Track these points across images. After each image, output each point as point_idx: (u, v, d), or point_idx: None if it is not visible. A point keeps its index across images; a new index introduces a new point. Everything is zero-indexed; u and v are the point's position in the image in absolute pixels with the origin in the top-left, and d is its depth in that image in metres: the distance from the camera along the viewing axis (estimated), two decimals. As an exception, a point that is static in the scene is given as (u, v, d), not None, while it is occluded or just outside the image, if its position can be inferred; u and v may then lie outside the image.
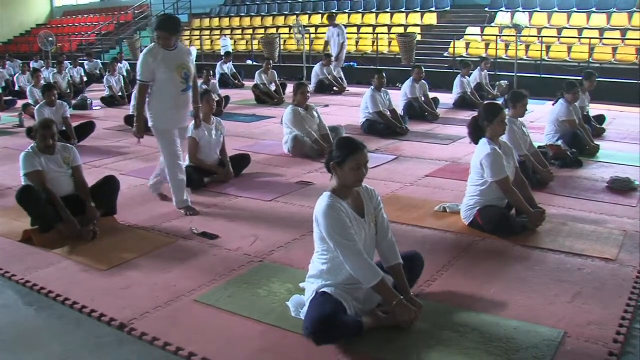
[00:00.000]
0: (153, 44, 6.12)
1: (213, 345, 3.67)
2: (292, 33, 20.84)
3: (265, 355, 3.58)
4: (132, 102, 11.07)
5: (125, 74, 18.17)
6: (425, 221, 5.79)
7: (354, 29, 21.52)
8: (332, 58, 16.40)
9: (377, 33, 20.40)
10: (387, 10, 22.10)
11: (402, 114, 10.88)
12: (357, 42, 20.93)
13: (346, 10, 23.05)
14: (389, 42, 20.16)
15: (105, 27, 30.61)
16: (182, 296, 4.32)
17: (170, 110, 6.12)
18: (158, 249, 5.27)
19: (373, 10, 22.44)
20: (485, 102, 6.07)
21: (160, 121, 6.15)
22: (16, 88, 17.14)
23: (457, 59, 17.44)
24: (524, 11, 19.27)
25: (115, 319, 4.02)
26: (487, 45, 18.36)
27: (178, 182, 6.24)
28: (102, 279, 4.71)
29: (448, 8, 21.49)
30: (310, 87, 13.50)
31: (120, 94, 15.05)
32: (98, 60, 22.06)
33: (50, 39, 24.18)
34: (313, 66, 16.63)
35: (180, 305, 4.20)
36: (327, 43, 17.43)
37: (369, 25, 21.71)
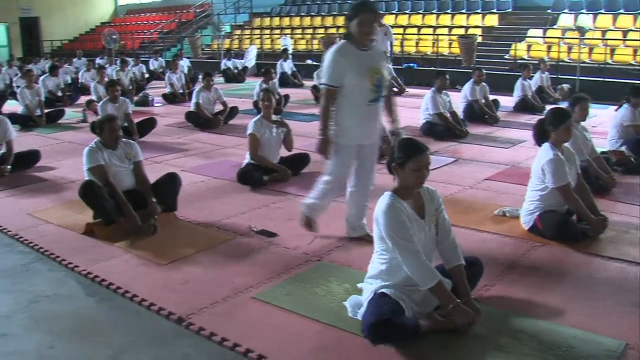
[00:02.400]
0: (343, 41, 5.07)
1: (270, 342, 3.69)
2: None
3: (322, 355, 3.58)
4: (193, 99, 11.22)
5: (186, 71, 18.38)
6: (484, 225, 5.72)
7: (414, 30, 21.40)
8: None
9: (437, 34, 20.24)
10: (448, 11, 21.92)
11: (462, 117, 10.77)
12: (417, 43, 20.79)
13: (407, 12, 22.92)
14: (450, 44, 19.98)
15: (167, 25, 31.02)
16: (240, 293, 4.35)
17: (354, 123, 5.10)
18: (217, 245, 5.31)
19: (434, 11, 22.28)
20: (554, 106, 5.94)
21: (342, 135, 5.12)
22: (80, 84, 17.46)
23: (518, 61, 17.20)
24: (588, 13, 18.90)
25: (174, 313, 4.07)
26: (549, 47, 18.02)
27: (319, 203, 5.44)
28: (162, 273, 4.79)
29: (510, 10, 21.19)
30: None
31: (181, 91, 15.22)
32: (162, 59, 22.37)
33: (114, 36, 24.70)
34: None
35: (238, 302, 4.23)
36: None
37: (430, 26, 21.54)
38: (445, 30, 20.77)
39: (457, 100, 11.41)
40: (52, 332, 3.98)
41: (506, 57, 18.50)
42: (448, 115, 10.07)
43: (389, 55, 16.43)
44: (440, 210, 3.91)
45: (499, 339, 3.68)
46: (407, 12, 22.92)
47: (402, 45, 20.12)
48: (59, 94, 15.15)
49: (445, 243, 3.89)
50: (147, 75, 19.54)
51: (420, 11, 22.63)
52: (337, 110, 5.06)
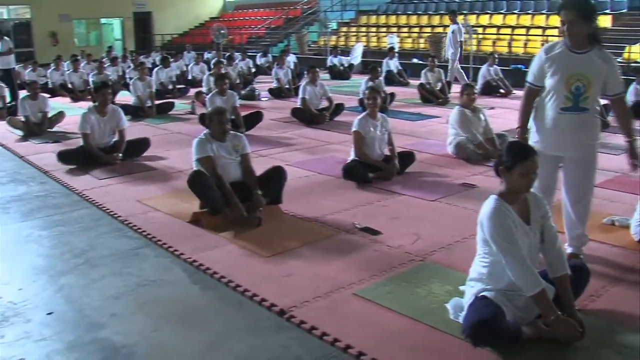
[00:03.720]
0: (558, 40, 4.59)
1: (369, 340, 3.66)
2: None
3: (421, 355, 3.53)
4: (300, 95, 11.28)
5: (292, 67, 18.54)
6: (592, 233, 5.49)
7: (523, 31, 20.89)
8: (450, 57, 16.24)
9: (546, 35, 19.64)
10: (554, 12, 21.24)
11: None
12: (525, 44, 20.25)
13: (515, 11, 22.34)
14: (542, 45, 19.35)
15: (274, 21, 31.41)
16: (341, 289, 4.34)
17: (547, 130, 4.65)
18: (320, 240, 5.32)
19: (543, 11, 21.59)
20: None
21: (536, 140, 4.71)
22: (189, 77, 17.87)
23: (631, 64, 16.55)
24: None
25: (276, 305, 4.09)
26: (667, 50, 17.26)
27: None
28: (265, 265, 4.83)
29: (625, 10, 20.40)
30: (477, 89, 13.24)
31: (287, 86, 15.34)
32: (270, 55, 22.66)
33: (223, 31, 25.18)
34: (479, 67, 16.30)
35: (340, 298, 4.22)
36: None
37: (538, 27, 20.95)
38: (555, 32, 20.14)
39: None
40: (156, 316, 4.08)
41: (619, 60, 17.80)
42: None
43: (448, 54, 16.30)
44: (547, 218, 3.80)
45: (602, 351, 3.55)
46: (515, 12, 22.39)
47: (509, 47, 19.70)
48: (170, 86, 15.57)
49: (551, 251, 3.77)
50: (254, 70, 19.82)
51: (530, 11, 22.05)
52: (534, 112, 4.73)
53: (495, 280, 3.67)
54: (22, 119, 11.16)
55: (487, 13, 22.74)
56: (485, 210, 3.65)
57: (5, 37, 15.17)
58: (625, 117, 4.81)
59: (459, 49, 16.66)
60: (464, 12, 22.88)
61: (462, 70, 16.81)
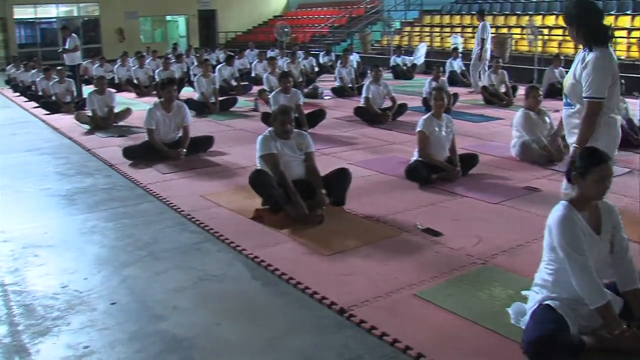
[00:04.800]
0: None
1: (429, 341, 3.64)
2: (524, 34, 20.25)
3: (481, 359, 3.49)
4: (363, 94, 11.23)
5: (355, 66, 18.51)
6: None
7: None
8: (479, 56, 15.98)
9: (634, 37, 18.99)
10: (628, 12, 20.63)
11: (639, 125, 10.18)
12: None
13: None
14: (628, 47, 18.86)
15: (337, 20, 31.42)
16: (402, 289, 4.32)
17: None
18: (382, 240, 5.30)
19: (627, 12, 20.95)
20: None
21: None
22: (252, 75, 18.01)
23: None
24: None
25: (336, 303, 4.09)
26: None
27: None
28: (325, 263, 4.84)
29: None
30: (542, 91, 13.02)
31: (350, 85, 15.31)
32: (333, 54, 22.67)
33: (286, 29, 25.30)
34: (545, 69, 16.01)
35: (400, 298, 4.20)
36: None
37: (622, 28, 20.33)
38: (624, 33, 19.62)
39: (635, 107, 10.81)
40: (217, 310, 4.13)
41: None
42: (624, 122, 9.54)
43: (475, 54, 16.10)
44: (619, 228, 3.70)
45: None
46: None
47: (576, 48, 19.21)
48: (233, 83, 15.71)
49: (621, 264, 3.66)
50: (316, 69, 19.86)
51: (612, 12, 21.38)
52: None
53: (560, 288, 3.59)
54: (89, 113, 11.41)
55: (554, 14, 22.30)
56: (554, 216, 3.57)
57: (73, 34, 15.55)
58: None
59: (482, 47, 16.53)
60: (530, 12, 22.54)
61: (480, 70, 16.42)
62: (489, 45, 16.30)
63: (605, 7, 20.90)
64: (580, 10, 4.55)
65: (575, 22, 4.56)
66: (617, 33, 19.17)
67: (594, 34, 4.50)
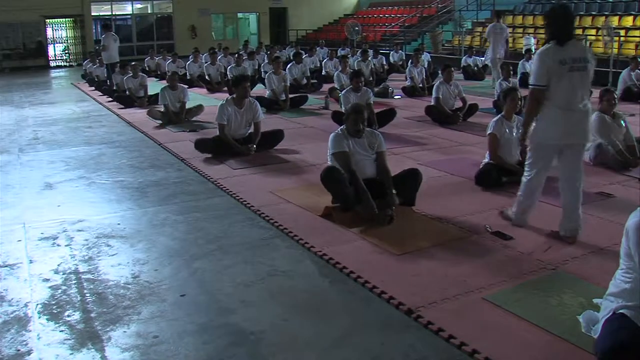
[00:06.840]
0: None
1: (497, 346, 3.60)
2: (600, 35, 19.79)
3: (550, 367, 3.44)
4: (434, 94, 11.11)
5: (426, 65, 18.38)
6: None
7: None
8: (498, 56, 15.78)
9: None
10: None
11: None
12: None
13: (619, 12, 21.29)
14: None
15: (408, 19, 31.25)
16: (471, 292, 4.28)
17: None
18: (451, 241, 5.27)
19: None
20: None
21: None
22: (323, 73, 18.04)
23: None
24: None
25: (404, 303, 4.09)
26: None
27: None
28: (394, 263, 4.83)
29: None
30: (617, 94, 12.68)
31: (421, 85, 15.21)
32: (402, 52, 22.55)
33: (357, 28, 25.35)
34: (620, 71, 15.60)
35: (469, 301, 4.17)
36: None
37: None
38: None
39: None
40: (286, 305, 4.17)
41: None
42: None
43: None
44: None
45: None
46: (619, 13, 21.25)
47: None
48: (303, 81, 15.78)
49: None
50: (387, 67, 19.80)
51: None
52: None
53: (636, 297, 3.47)
54: (161, 108, 11.62)
55: (631, 14, 21.72)
56: (632, 222, 3.45)
57: (111, 33, 15.89)
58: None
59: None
60: (605, 13, 21.99)
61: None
62: None
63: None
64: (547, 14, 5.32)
65: (547, 24, 5.36)
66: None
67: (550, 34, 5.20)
